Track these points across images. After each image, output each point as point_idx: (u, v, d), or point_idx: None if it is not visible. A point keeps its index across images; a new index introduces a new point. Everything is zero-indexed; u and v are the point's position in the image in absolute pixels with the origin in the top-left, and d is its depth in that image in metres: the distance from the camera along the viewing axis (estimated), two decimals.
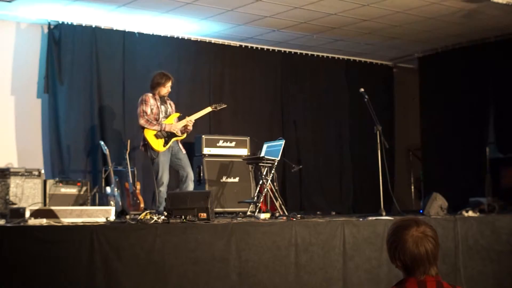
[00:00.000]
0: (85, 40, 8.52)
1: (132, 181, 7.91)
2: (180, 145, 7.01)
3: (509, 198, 8.55)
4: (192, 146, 8.21)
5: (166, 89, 6.97)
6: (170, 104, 7.08)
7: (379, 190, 7.18)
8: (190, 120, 6.98)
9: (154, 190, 6.90)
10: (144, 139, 6.83)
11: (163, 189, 6.75)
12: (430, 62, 10.54)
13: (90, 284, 4.71)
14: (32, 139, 8.33)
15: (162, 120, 6.90)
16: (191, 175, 6.93)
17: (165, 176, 6.79)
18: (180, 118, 7.02)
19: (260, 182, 7.19)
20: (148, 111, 6.84)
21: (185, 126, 6.94)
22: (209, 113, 7.43)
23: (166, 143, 6.82)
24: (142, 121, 6.81)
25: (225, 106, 7.47)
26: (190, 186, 6.89)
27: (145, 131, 6.82)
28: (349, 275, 5.95)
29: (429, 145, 10.61)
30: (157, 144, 6.78)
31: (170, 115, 7.00)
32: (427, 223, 2.61)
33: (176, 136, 6.89)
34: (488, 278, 6.88)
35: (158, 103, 6.93)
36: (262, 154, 7.51)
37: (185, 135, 7.03)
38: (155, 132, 6.80)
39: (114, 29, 8.73)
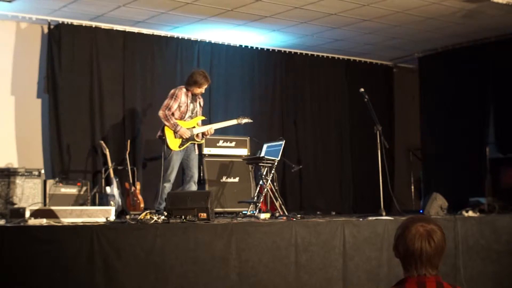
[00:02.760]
0: (85, 40, 8.52)
1: (132, 181, 7.91)
2: (195, 145, 7.02)
3: (509, 198, 8.54)
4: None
5: (200, 90, 6.99)
6: (199, 103, 7.10)
7: (379, 190, 7.18)
8: (211, 129, 7.04)
9: (158, 186, 6.87)
10: (163, 132, 6.83)
11: (168, 185, 6.77)
12: (430, 62, 10.53)
13: (90, 284, 4.71)
14: (32, 139, 8.33)
15: (187, 119, 6.90)
16: (195, 177, 6.94)
17: (173, 174, 6.82)
18: (204, 122, 7.06)
19: (260, 182, 7.19)
20: (175, 107, 6.84)
21: (204, 134, 7.01)
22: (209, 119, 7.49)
23: (182, 144, 6.83)
24: (160, 113, 6.83)
25: (251, 121, 7.54)
26: (193, 187, 6.90)
27: (166, 126, 6.83)
28: (349, 275, 5.96)
29: (429, 145, 10.61)
30: (174, 143, 6.79)
31: (195, 116, 7.02)
32: (440, 226, 2.58)
33: (194, 139, 6.92)
34: (488, 278, 6.88)
35: (188, 101, 6.93)
36: (262, 154, 7.51)
37: (203, 140, 7.10)
38: None
39: (114, 29, 8.73)
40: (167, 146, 6.78)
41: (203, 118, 7.10)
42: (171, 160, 6.78)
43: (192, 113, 6.97)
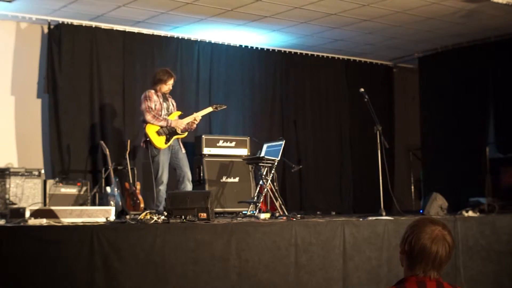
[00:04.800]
0: (85, 40, 8.52)
1: (132, 181, 7.91)
2: (181, 144, 7.01)
3: (509, 198, 8.55)
4: (192, 146, 8.21)
5: (167, 87, 6.98)
6: (171, 102, 7.09)
7: (379, 190, 7.17)
8: (197, 117, 6.99)
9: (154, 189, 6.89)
10: (146, 136, 6.81)
11: (163, 188, 6.75)
12: (430, 62, 10.54)
13: (90, 284, 4.71)
14: (32, 139, 8.33)
15: (164, 117, 6.90)
16: (188, 175, 6.92)
17: (164, 175, 6.78)
18: (181, 117, 7.03)
19: (260, 182, 7.19)
20: (153, 107, 6.84)
21: (191, 123, 6.94)
22: (209, 113, 7.45)
23: (167, 140, 6.82)
24: (149, 117, 6.79)
25: (225, 107, 7.51)
26: (188, 186, 6.88)
27: (147, 127, 6.80)
28: (349, 275, 5.96)
29: (429, 145, 10.61)
30: (159, 141, 6.78)
31: (171, 113, 7.01)
32: (452, 234, 2.60)
33: (177, 134, 6.89)
34: (488, 278, 6.88)
35: (161, 100, 6.93)
36: (262, 154, 7.51)
37: (186, 134, 7.04)
38: (157, 129, 6.80)
39: (114, 29, 8.73)
40: (154, 146, 6.78)
41: (180, 113, 7.07)
42: (159, 161, 6.77)
43: (167, 110, 6.97)
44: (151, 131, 6.79)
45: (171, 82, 6.98)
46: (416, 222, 2.61)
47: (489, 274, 6.89)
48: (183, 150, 7.00)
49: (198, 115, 7.04)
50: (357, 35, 9.45)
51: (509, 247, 7.02)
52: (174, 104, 7.14)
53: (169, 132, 6.83)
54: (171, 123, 6.82)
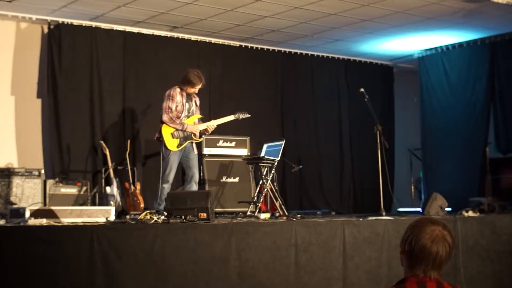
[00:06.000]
0: (85, 40, 8.52)
1: (132, 181, 7.91)
2: (194, 145, 7.00)
3: (509, 198, 8.55)
4: None
5: (193, 90, 6.95)
6: (195, 102, 7.06)
7: (379, 190, 7.18)
8: (212, 125, 7.00)
9: (157, 185, 6.88)
10: (160, 134, 6.81)
11: (167, 186, 6.75)
12: (430, 62, 10.54)
13: (90, 284, 4.71)
14: (32, 139, 8.33)
15: (183, 118, 6.89)
16: (196, 177, 6.92)
17: (171, 174, 6.79)
18: (200, 121, 7.03)
19: (260, 182, 7.18)
20: (173, 108, 6.83)
21: (205, 130, 6.97)
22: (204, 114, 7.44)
23: (180, 144, 6.81)
24: (165, 118, 6.78)
25: (249, 116, 7.46)
26: (193, 187, 6.88)
27: (163, 127, 6.79)
28: (349, 275, 5.96)
29: (429, 145, 10.61)
30: (171, 144, 6.78)
31: (192, 114, 6.99)
32: (453, 234, 2.61)
33: (191, 139, 6.89)
34: (488, 278, 6.89)
35: (184, 100, 6.91)
36: (262, 154, 7.51)
37: (201, 139, 7.05)
38: (172, 131, 6.79)
39: (114, 29, 8.73)
40: (165, 146, 6.78)
41: (200, 116, 7.07)
42: (169, 161, 6.77)
43: (188, 112, 6.95)
44: (166, 131, 6.78)
45: (199, 87, 6.95)
46: (416, 222, 2.61)
47: (489, 274, 6.89)
48: (195, 151, 6.99)
49: (215, 123, 7.04)
50: (357, 35, 9.45)
51: (509, 247, 7.03)
52: (198, 103, 7.09)
53: (184, 136, 6.83)
54: (187, 128, 6.82)
